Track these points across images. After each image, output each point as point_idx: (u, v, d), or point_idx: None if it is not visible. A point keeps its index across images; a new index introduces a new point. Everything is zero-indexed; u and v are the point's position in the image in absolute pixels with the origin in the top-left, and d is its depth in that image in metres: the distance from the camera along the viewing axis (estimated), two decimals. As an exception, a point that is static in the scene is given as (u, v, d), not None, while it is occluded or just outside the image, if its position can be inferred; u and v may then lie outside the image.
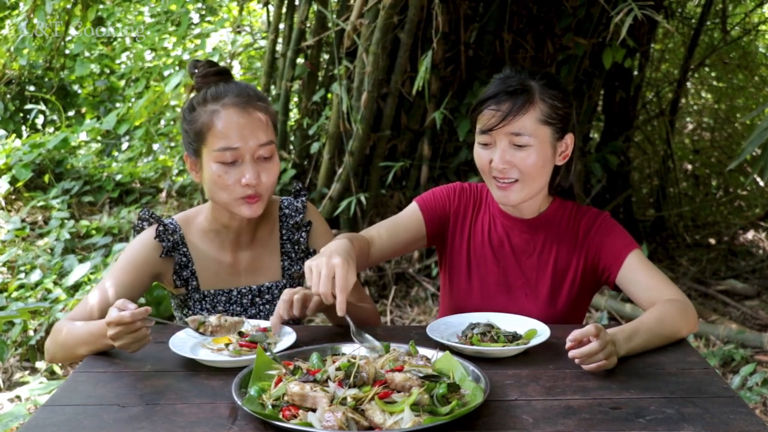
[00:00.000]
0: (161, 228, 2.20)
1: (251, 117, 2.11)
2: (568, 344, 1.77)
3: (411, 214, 2.33)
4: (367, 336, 1.91)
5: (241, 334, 1.96)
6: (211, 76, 2.20)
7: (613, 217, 2.28)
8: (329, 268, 1.83)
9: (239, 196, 2.11)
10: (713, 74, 8.31)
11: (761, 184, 7.87)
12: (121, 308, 1.81)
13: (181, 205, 5.99)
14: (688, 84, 7.94)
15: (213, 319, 1.97)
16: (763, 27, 8.19)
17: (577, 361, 1.76)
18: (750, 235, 7.25)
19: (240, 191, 2.10)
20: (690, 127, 8.71)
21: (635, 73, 6.42)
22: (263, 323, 2.05)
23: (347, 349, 1.83)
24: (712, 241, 7.11)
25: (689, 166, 8.27)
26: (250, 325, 2.03)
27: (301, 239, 2.32)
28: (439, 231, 2.34)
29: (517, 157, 2.10)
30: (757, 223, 7.43)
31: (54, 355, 2.07)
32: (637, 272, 2.14)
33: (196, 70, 2.22)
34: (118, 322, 1.79)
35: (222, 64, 6.80)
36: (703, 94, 8.67)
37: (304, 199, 2.36)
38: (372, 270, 5.13)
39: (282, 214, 2.34)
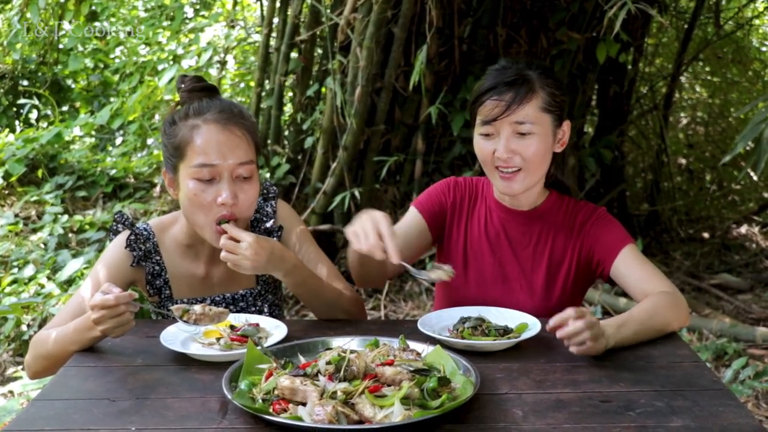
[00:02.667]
0: (132, 237, 2.18)
1: (232, 134, 2.05)
2: (549, 327, 1.79)
3: (414, 220, 2.33)
4: (424, 272, 1.93)
5: (232, 328, 1.96)
6: (197, 92, 2.14)
7: (607, 208, 2.31)
8: (372, 222, 1.89)
9: (215, 218, 2.04)
10: (707, 69, 8.32)
11: (755, 178, 7.89)
12: (105, 292, 1.80)
13: (175, 200, 5.97)
14: (682, 78, 7.94)
15: (198, 307, 1.94)
16: (756, 21, 8.20)
17: (566, 343, 1.77)
18: (743, 229, 7.26)
19: (216, 211, 2.04)
20: (684, 121, 8.72)
21: (629, 67, 6.42)
22: (254, 318, 2.05)
23: (338, 343, 1.83)
24: (706, 235, 7.13)
25: (683, 161, 8.29)
26: (241, 320, 2.02)
27: None
28: (440, 228, 2.36)
29: (521, 146, 2.12)
30: (750, 217, 7.45)
31: (36, 369, 2.04)
32: (630, 266, 2.16)
33: (183, 85, 2.17)
34: (102, 305, 1.79)
35: (216, 58, 6.80)
36: (697, 88, 8.68)
37: (274, 202, 2.32)
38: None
39: (253, 219, 2.30)
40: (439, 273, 1.91)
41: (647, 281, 2.13)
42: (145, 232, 2.21)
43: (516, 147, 2.12)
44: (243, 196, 2.06)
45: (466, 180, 2.39)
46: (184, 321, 1.93)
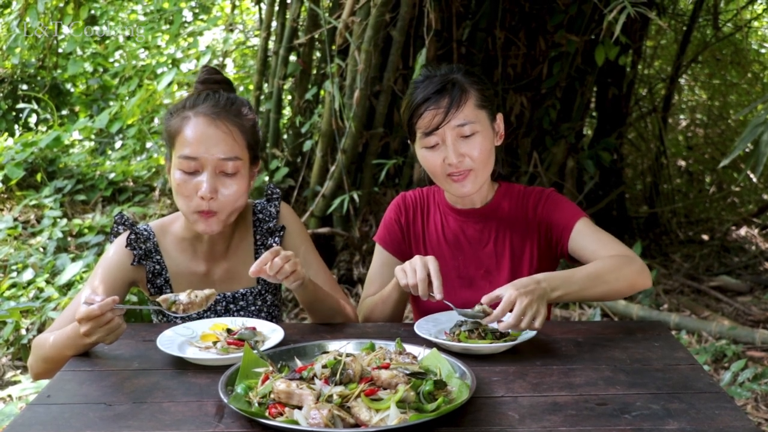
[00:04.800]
0: (132, 236, 2.19)
1: (218, 129, 2.07)
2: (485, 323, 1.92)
3: (384, 257, 2.40)
4: (463, 310, 1.98)
5: (229, 331, 1.96)
6: (210, 84, 2.18)
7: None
8: (422, 261, 2.01)
9: (195, 208, 2.08)
10: (706, 71, 8.32)
11: (754, 180, 7.89)
12: (89, 302, 1.80)
13: (174, 203, 5.98)
14: (681, 81, 7.95)
15: (183, 296, 1.95)
16: (755, 23, 8.20)
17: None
18: (743, 231, 7.26)
19: (196, 203, 2.07)
20: (683, 123, 8.72)
21: (628, 69, 6.43)
22: (251, 321, 2.05)
23: (334, 346, 1.83)
24: (705, 237, 7.13)
25: (682, 163, 8.29)
26: (237, 324, 2.02)
27: (274, 244, 2.29)
28: (404, 249, 2.40)
29: (467, 147, 2.15)
30: (749, 219, 7.44)
31: (38, 371, 2.05)
32: (585, 237, 2.20)
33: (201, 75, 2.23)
34: (88, 316, 1.78)
35: (215, 62, 6.81)
36: (696, 90, 8.68)
37: (277, 203, 2.34)
38: (364, 266, 5.13)
39: (256, 218, 2.32)
40: (476, 311, 1.96)
41: (603, 249, 2.16)
42: (145, 232, 2.23)
43: (464, 150, 2.15)
44: (225, 192, 2.08)
45: (414, 193, 2.44)
46: (173, 312, 1.94)
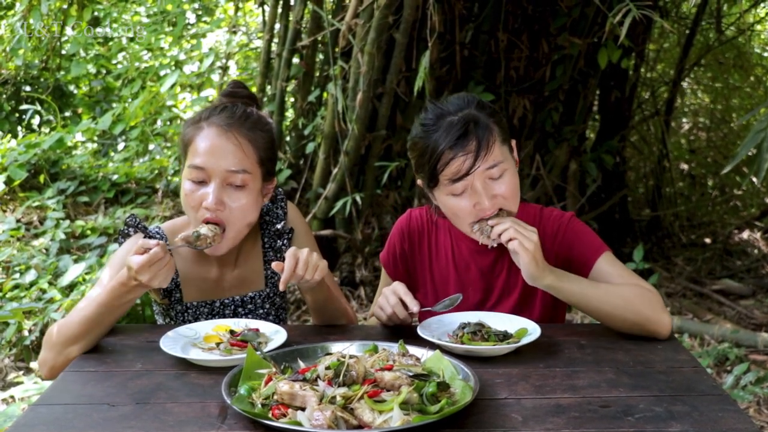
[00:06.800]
0: (148, 239, 2.18)
1: (228, 141, 2.05)
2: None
3: (389, 282, 2.32)
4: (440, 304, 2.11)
5: (232, 333, 1.96)
6: (234, 98, 2.19)
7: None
8: (389, 291, 2.04)
9: (202, 219, 2.05)
10: (709, 74, 8.32)
11: (757, 184, 7.88)
12: (143, 248, 1.84)
13: (177, 205, 5.98)
14: (684, 84, 7.95)
15: (204, 230, 2.00)
16: (758, 27, 8.20)
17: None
18: (745, 234, 7.26)
19: (203, 214, 2.05)
20: (686, 127, 8.72)
21: (631, 72, 6.43)
22: (254, 323, 2.05)
23: (337, 348, 1.83)
24: (708, 240, 7.12)
25: (685, 166, 8.29)
26: (240, 325, 2.03)
27: (283, 246, 2.29)
28: (407, 270, 2.35)
29: (499, 188, 2.04)
30: (752, 222, 7.44)
31: (54, 363, 1.95)
32: (608, 275, 2.09)
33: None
34: (152, 260, 1.83)
35: (218, 63, 6.82)
36: (699, 94, 8.68)
37: (283, 204, 2.33)
38: (366, 269, 5.13)
39: (263, 221, 2.32)
40: (452, 299, 2.08)
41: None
42: (157, 236, 2.22)
43: (496, 191, 2.03)
44: (233, 204, 2.06)
45: (421, 213, 2.32)
46: (198, 246, 1.98)
